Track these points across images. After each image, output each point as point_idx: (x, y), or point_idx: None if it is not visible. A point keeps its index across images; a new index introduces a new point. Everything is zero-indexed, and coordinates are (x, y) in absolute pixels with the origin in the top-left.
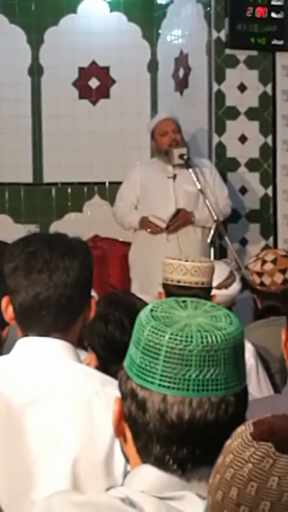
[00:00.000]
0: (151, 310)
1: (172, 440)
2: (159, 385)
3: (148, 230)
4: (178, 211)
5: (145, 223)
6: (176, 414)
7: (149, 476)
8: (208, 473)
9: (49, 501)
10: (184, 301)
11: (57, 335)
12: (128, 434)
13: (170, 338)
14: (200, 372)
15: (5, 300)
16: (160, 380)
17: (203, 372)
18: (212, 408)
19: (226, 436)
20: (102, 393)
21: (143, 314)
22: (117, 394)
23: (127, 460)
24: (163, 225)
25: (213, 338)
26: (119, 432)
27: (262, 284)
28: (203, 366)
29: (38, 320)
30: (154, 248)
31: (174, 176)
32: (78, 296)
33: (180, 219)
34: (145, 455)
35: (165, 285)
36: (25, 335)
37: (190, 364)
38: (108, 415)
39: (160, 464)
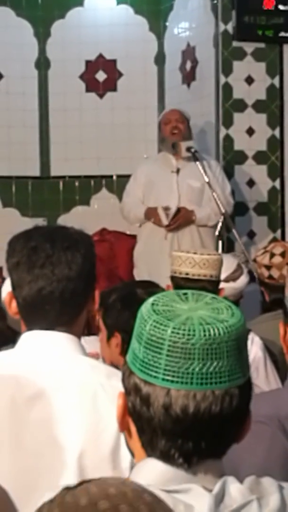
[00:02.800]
0: (152, 304)
1: (177, 434)
2: (163, 379)
3: (152, 220)
4: (178, 210)
5: (150, 212)
6: (180, 408)
7: (155, 469)
8: (214, 466)
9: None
10: (185, 294)
11: (61, 329)
12: (133, 428)
13: (172, 332)
14: (204, 365)
15: (8, 294)
16: (164, 374)
17: (206, 365)
18: (216, 401)
19: (231, 428)
20: (108, 385)
21: (145, 308)
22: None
23: (132, 454)
24: (166, 222)
25: (216, 330)
26: (123, 427)
27: (270, 277)
28: (206, 359)
29: (42, 314)
30: (158, 243)
31: (178, 171)
32: (82, 289)
33: (181, 219)
34: (151, 450)
35: (173, 278)
36: (30, 329)
37: (193, 358)
38: (114, 408)
39: (166, 458)
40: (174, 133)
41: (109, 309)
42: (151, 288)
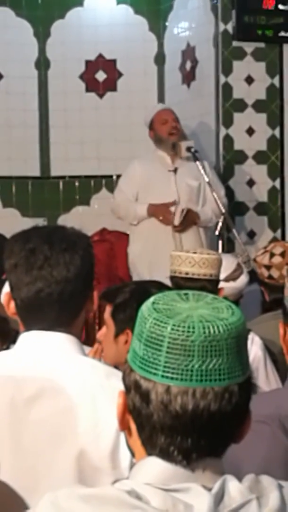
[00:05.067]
0: (153, 303)
1: (177, 431)
2: (162, 376)
3: (161, 218)
4: (187, 211)
5: (157, 209)
6: (179, 404)
7: (154, 468)
8: (214, 464)
9: (55, 495)
10: (186, 294)
11: (60, 329)
12: (133, 426)
13: (172, 329)
14: (203, 363)
15: (7, 295)
16: (163, 371)
17: (206, 362)
18: (215, 398)
19: (230, 426)
20: (107, 386)
21: (145, 307)
22: (122, 385)
23: (133, 454)
24: (177, 222)
25: (215, 328)
26: (123, 426)
27: (270, 277)
28: (205, 356)
29: (40, 316)
30: (154, 243)
31: (175, 170)
32: (80, 291)
33: (188, 221)
34: (150, 447)
35: (173, 278)
36: (28, 330)
37: (192, 355)
38: (113, 408)
39: (165, 455)
40: (172, 133)
41: (121, 306)
42: (164, 288)
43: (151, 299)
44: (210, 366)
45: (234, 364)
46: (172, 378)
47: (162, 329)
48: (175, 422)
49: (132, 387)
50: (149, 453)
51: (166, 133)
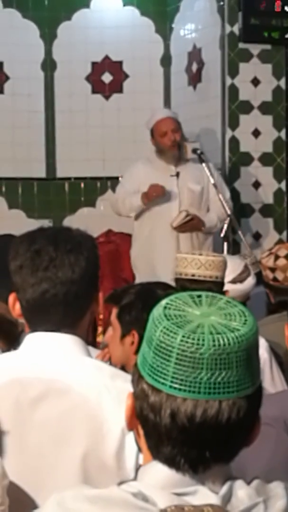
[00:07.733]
0: (165, 307)
1: (183, 442)
2: (170, 386)
3: (154, 194)
4: (191, 219)
5: (148, 191)
6: (187, 416)
7: (160, 474)
8: (222, 471)
9: (62, 496)
10: (199, 296)
11: (65, 331)
12: (141, 431)
13: (181, 340)
14: (212, 375)
15: (12, 297)
16: (172, 382)
17: (215, 375)
18: (223, 411)
19: (238, 436)
20: (112, 387)
21: (157, 312)
22: (127, 387)
23: (140, 450)
24: (174, 224)
25: (225, 340)
26: (131, 426)
27: (275, 279)
28: (214, 369)
29: (46, 317)
30: (154, 242)
31: (177, 174)
32: (85, 292)
33: (189, 227)
34: (156, 454)
35: (178, 280)
36: (33, 331)
37: (201, 367)
38: (118, 409)
39: (171, 463)
40: (173, 145)
41: (126, 308)
42: (170, 290)
43: (163, 302)
44: (218, 379)
45: (243, 376)
46: (180, 390)
47: (171, 340)
48: (182, 433)
49: (140, 395)
50: (155, 458)
51: (166, 146)
